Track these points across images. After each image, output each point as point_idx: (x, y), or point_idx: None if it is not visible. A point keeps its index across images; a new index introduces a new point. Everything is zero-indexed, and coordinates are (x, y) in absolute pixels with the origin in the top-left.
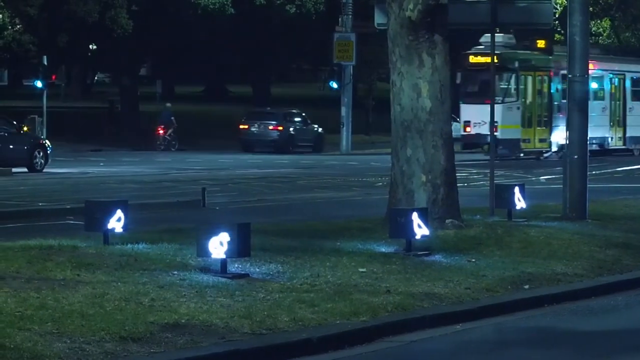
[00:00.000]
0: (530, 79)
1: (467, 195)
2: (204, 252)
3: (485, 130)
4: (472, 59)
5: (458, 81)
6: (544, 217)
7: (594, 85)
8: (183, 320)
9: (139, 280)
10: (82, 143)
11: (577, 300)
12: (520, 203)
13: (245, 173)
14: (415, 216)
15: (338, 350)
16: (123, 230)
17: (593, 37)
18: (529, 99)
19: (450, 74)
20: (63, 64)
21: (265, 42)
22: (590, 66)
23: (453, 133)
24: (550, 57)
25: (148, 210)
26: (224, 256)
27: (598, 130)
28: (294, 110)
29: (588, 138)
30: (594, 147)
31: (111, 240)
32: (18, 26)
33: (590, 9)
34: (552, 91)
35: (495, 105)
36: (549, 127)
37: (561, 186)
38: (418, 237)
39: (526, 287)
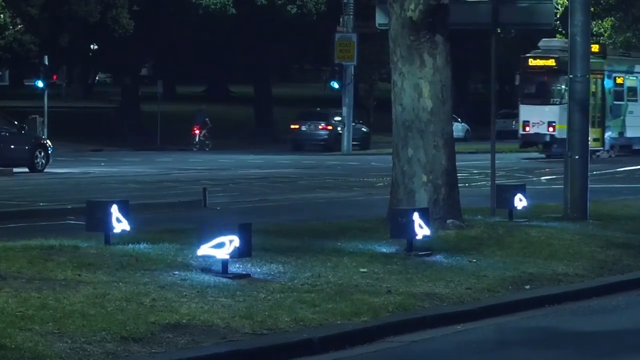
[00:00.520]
0: None
1: (468, 196)
2: (205, 252)
3: (543, 129)
4: (531, 62)
5: (517, 83)
6: (545, 217)
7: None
8: (184, 321)
9: (140, 280)
10: (84, 143)
11: (578, 301)
12: (521, 203)
13: (247, 173)
14: (416, 216)
15: (339, 350)
16: (124, 231)
17: (594, 38)
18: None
19: (517, 77)
20: (64, 64)
21: (267, 42)
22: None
23: (454, 133)
24: (604, 60)
25: (149, 210)
26: (225, 256)
27: None
28: (340, 110)
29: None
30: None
31: (112, 240)
32: (19, 26)
33: (592, 9)
34: (605, 93)
35: (553, 106)
36: (602, 127)
37: (562, 186)
38: (419, 237)
39: (527, 287)
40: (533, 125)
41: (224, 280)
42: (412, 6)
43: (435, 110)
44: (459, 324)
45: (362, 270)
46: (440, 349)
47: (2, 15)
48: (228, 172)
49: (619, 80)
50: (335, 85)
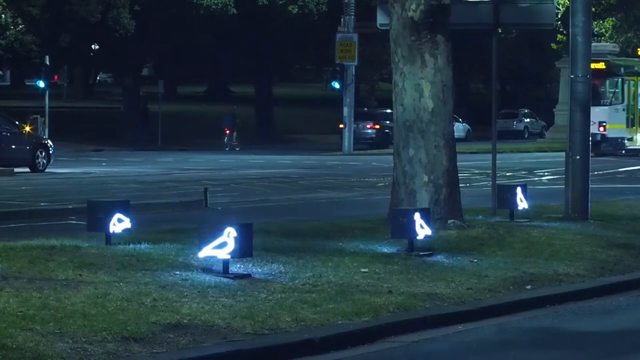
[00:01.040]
0: (632, 83)
1: (469, 196)
2: (206, 252)
3: (594, 129)
4: (593, 65)
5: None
6: (546, 217)
7: None
8: (185, 321)
9: (141, 280)
10: (85, 143)
11: (579, 301)
12: (522, 203)
13: (248, 173)
14: (417, 216)
15: (340, 350)
16: (125, 231)
17: (595, 38)
18: (632, 101)
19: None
20: (65, 64)
21: (268, 43)
22: None
23: (456, 134)
24: None
25: (150, 210)
26: (226, 256)
27: None
28: (388, 111)
29: None
30: None
31: (113, 240)
32: (20, 26)
33: (593, 9)
34: None
35: (604, 107)
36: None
37: (563, 186)
38: (420, 237)
39: (528, 287)
40: None
41: (225, 280)
42: (413, 6)
43: (436, 111)
44: (460, 324)
45: (363, 270)
46: (441, 349)
47: (3, 15)
48: (229, 172)
49: None
50: (337, 85)
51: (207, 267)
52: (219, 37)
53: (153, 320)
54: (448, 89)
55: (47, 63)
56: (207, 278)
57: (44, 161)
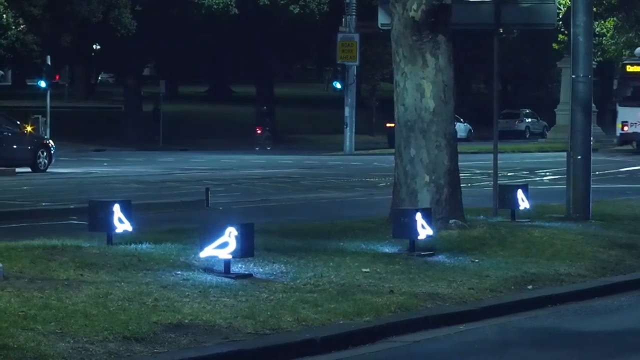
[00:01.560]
0: None
1: (470, 196)
2: (207, 252)
3: (639, 129)
4: (629, 68)
5: (615, 87)
6: (547, 217)
7: None
8: (186, 320)
9: (142, 280)
10: (86, 143)
11: (581, 301)
12: (523, 203)
13: (249, 173)
14: (418, 216)
15: (341, 350)
16: (126, 231)
17: (596, 38)
18: None
19: (615, 82)
20: (67, 64)
21: (269, 43)
22: None
23: (457, 133)
24: None
25: (152, 210)
26: (227, 256)
27: None
28: None
29: None
30: None
31: (115, 240)
32: (22, 26)
33: (594, 9)
34: None
35: None
36: None
37: (564, 187)
38: (421, 237)
39: (529, 287)
40: (631, 125)
41: (226, 280)
42: (414, 6)
43: (437, 111)
44: (462, 324)
45: (364, 270)
46: (442, 349)
47: (4, 15)
48: (230, 172)
49: None
50: (338, 85)
51: (208, 267)
52: (220, 37)
53: (154, 320)
54: (449, 89)
55: (49, 63)
56: (209, 278)
57: (46, 161)
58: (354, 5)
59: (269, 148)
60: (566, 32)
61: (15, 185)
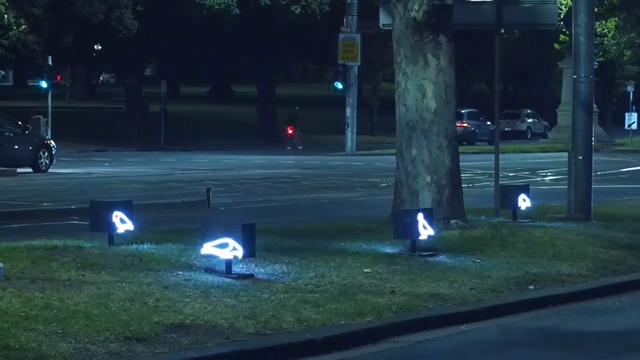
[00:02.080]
0: None
1: (471, 196)
2: (208, 252)
3: None
4: None
5: None
6: (548, 217)
7: None
8: (188, 321)
9: (143, 280)
10: (88, 143)
11: (582, 301)
12: (525, 204)
13: (250, 173)
14: (420, 217)
15: (342, 350)
16: (128, 231)
17: (598, 38)
18: None
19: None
20: (68, 64)
21: (270, 43)
22: None
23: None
24: None
25: (153, 210)
26: (228, 256)
27: None
28: (475, 110)
29: None
30: None
31: (116, 240)
32: (23, 26)
33: (595, 9)
34: None
35: None
36: None
37: (566, 187)
38: (423, 237)
39: (531, 287)
40: None
41: (228, 280)
42: (415, 6)
43: (439, 111)
44: (463, 325)
45: (365, 270)
46: (444, 350)
47: (6, 16)
48: (232, 172)
49: None
50: (339, 85)
51: (209, 267)
52: (222, 37)
53: (156, 321)
54: (451, 89)
55: (50, 63)
56: (210, 278)
57: (47, 161)
58: (356, 5)
59: (300, 148)
60: (567, 32)
61: (16, 186)
